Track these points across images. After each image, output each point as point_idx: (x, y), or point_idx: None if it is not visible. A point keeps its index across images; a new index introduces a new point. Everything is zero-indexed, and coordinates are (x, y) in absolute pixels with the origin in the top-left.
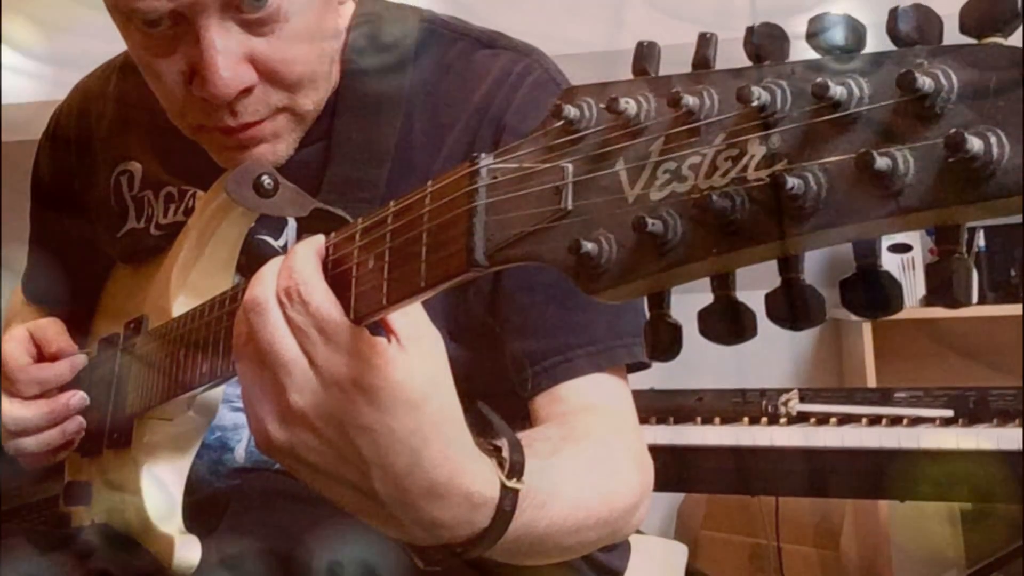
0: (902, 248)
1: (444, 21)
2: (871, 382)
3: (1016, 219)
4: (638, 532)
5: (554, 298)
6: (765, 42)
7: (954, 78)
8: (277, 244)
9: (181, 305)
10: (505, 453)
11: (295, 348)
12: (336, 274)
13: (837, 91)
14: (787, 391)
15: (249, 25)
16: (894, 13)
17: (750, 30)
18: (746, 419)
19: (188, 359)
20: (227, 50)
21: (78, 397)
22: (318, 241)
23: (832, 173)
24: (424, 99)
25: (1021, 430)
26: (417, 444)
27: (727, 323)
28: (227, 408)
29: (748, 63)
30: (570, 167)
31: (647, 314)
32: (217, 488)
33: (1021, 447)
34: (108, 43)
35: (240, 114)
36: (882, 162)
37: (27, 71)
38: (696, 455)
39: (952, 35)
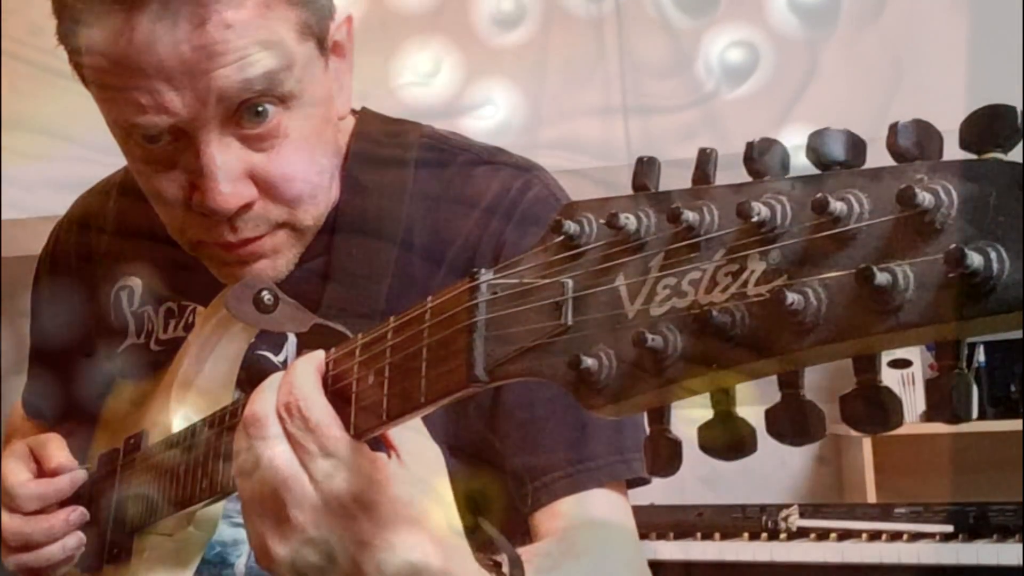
0: (902, 363)
1: (444, 136)
2: (871, 497)
3: (1016, 334)
4: None
5: (554, 413)
6: (765, 157)
7: (954, 193)
8: (277, 360)
9: (181, 420)
10: (505, 569)
11: (295, 464)
12: (336, 389)
13: (837, 206)
14: (787, 506)
15: (249, 140)
16: (894, 128)
17: (750, 145)
18: (746, 534)
19: (188, 474)
20: (227, 165)
21: (78, 513)
22: (318, 357)
23: (832, 288)
24: (424, 215)
25: (1021, 546)
26: (418, 560)
27: (727, 439)
28: (227, 523)
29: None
30: (570, 283)
31: (647, 429)
32: None
33: (1021, 563)
34: (108, 158)
35: (240, 229)
36: (882, 277)
37: (27, 186)
38: (696, 571)
39: (952, 150)
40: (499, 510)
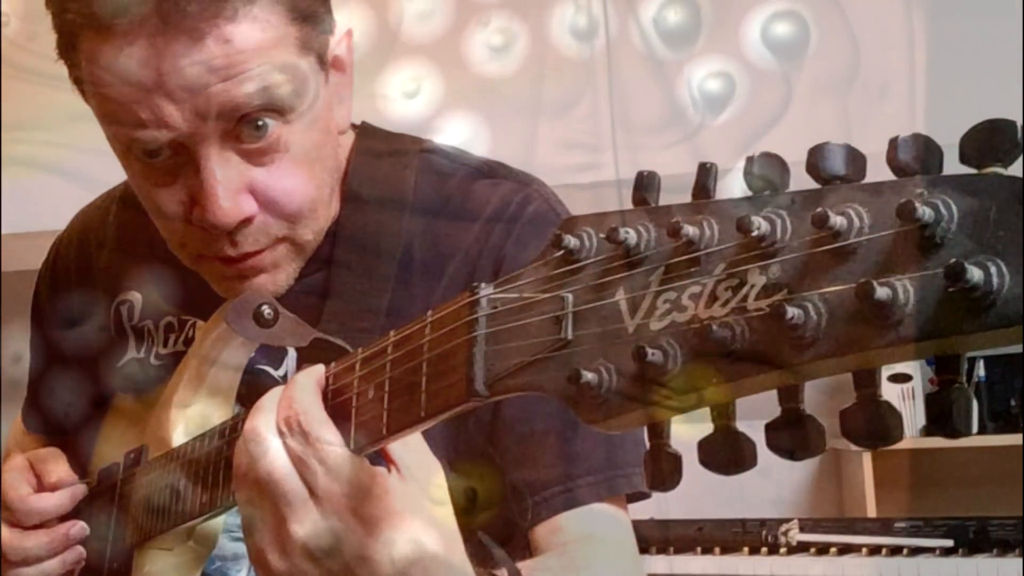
0: (902, 378)
1: (444, 151)
2: (871, 512)
3: (1016, 349)
4: None
5: (554, 428)
6: (765, 172)
7: (954, 208)
8: (277, 374)
9: (181, 435)
10: None
11: (295, 478)
12: (336, 404)
13: (837, 221)
14: (787, 521)
15: (249, 155)
16: (894, 143)
17: (750, 160)
18: (746, 549)
19: (188, 489)
20: (227, 180)
21: (78, 527)
22: (318, 371)
23: (832, 303)
24: (424, 229)
25: (1021, 560)
26: (417, 574)
27: (727, 453)
28: (227, 538)
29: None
30: (570, 297)
31: (647, 444)
32: None
33: None
34: (107, 173)
35: (240, 244)
36: (882, 292)
37: (27, 200)
38: None
39: (952, 165)
40: (499, 524)
